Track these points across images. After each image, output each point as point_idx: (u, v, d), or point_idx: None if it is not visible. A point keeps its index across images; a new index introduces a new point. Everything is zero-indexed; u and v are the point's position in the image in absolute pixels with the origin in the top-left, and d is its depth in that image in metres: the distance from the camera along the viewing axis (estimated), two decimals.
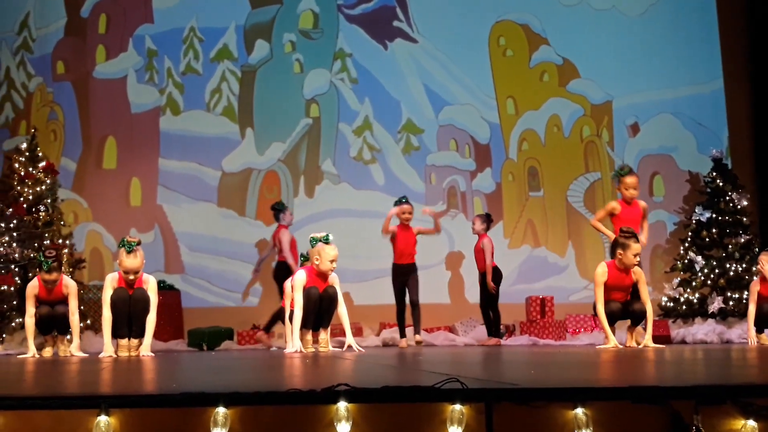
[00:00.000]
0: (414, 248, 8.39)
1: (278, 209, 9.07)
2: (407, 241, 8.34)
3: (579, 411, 2.36)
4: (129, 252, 6.19)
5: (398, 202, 8.41)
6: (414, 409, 2.36)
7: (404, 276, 8.31)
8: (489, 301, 8.67)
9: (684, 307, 9.36)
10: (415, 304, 8.26)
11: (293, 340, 6.49)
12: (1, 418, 2.29)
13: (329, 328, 6.88)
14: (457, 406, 2.34)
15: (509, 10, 11.12)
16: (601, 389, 2.46)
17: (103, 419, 2.26)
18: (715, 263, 9.47)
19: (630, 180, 7.19)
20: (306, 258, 7.13)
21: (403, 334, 8.32)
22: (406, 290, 8.30)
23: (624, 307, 6.54)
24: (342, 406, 2.32)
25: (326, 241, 6.47)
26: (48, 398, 2.36)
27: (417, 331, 8.29)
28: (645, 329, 6.57)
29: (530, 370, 3.55)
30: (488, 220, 8.93)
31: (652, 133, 11.08)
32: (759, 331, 7.31)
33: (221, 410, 2.29)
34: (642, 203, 7.36)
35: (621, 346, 6.38)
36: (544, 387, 2.52)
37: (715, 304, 9.18)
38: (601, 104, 11.07)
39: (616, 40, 11.14)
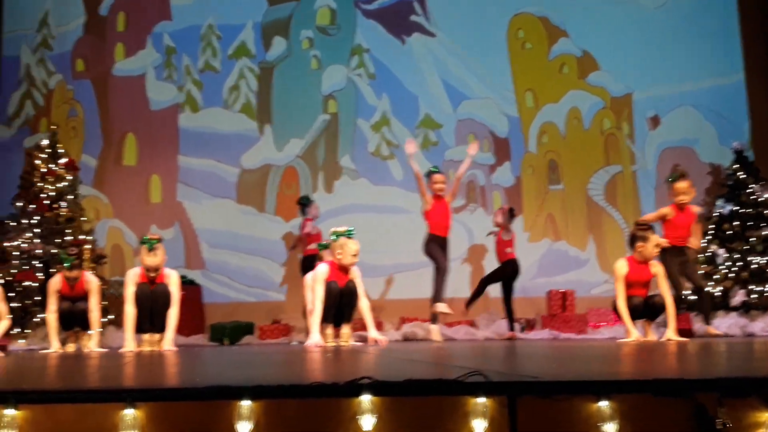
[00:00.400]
0: (449, 221, 8.15)
1: (304, 203, 9.09)
2: (442, 213, 8.11)
3: (603, 404, 2.35)
4: (150, 250, 6.25)
5: (429, 173, 8.22)
6: (437, 403, 2.36)
7: (439, 246, 8.06)
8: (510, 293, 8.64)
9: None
10: (443, 271, 8.02)
11: (313, 334, 6.51)
12: (28, 412, 2.31)
13: (351, 323, 6.88)
14: (481, 399, 2.33)
15: (528, 3, 11.07)
16: (625, 382, 2.45)
17: (129, 412, 2.28)
18: (737, 256, 9.40)
19: (680, 185, 7.10)
20: (325, 246, 7.18)
21: (439, 299, 7.97)
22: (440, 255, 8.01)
23: (645, 302, 6.53)
24: (365, 399, 2.33)
25: (349, 236, 6.50)
26: (74, 392, 2.38)
27: (438, 299, 8.01)
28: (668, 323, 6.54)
29: (552, 364, 3.54)
30: (511, 214, 8.86)
31: (672, 126, 11.01)
32: None
33: (246, 403, 2.30)
34: (695, 208, 7.28)
35: (642, 339, 6.36)
36: (567, 380, 2.51)
37: (738, 297, 9.11)
38: (621, 96, 11.01)
39: (636, 31, 11.06)
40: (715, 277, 9.46)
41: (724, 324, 8.72)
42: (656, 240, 6.41)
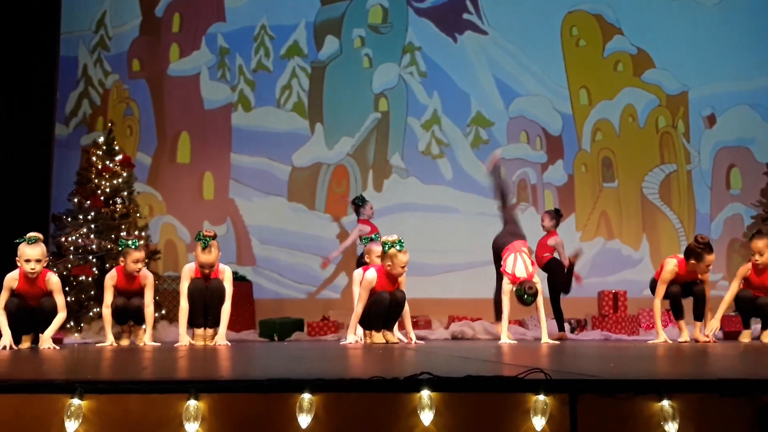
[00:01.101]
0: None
1: (358, 204, 9.01)
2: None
3: (665, 403, 2.33)
4: (204, 248, 6.32)
5: None
6: (497, 399, 2.35)
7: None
8: (558, 293, 8.56)
9: None
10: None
11: (355, 333, 6.57)
12: (93, 402, 2.36)
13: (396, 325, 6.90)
14: (541, 397, 2.32)
15: (582, 1, 10.97)
16: (688, 381, 2.42)
17: (192, 403, 2.32)
18: None
19: (757, 244, 6.56)
20: (370, 239, 7.22)
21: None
22: None
23: (683, 290, 6.61)
24: (425, 394, 2.33)
25: (400, 247, 6.48)
26: (140, 382, 2.43)
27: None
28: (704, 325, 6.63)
29: (609, 363, 3.50)
30: (558, 216, 8.76)
31: (728, 125, 10.82)
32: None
33: (306, 396, 2.32)
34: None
35: (671, 342, 6.42)
36: (630, 378, 2.48)
37: None
38: (677, 95, 10.85)
39: (692, 29, 10.90)
40: None
41: None
42: (709, 261, 6.39)
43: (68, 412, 2.33)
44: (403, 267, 6.52)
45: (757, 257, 6.51)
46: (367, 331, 6.74)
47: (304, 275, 10.30)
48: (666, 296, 6.62)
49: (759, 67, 10.83)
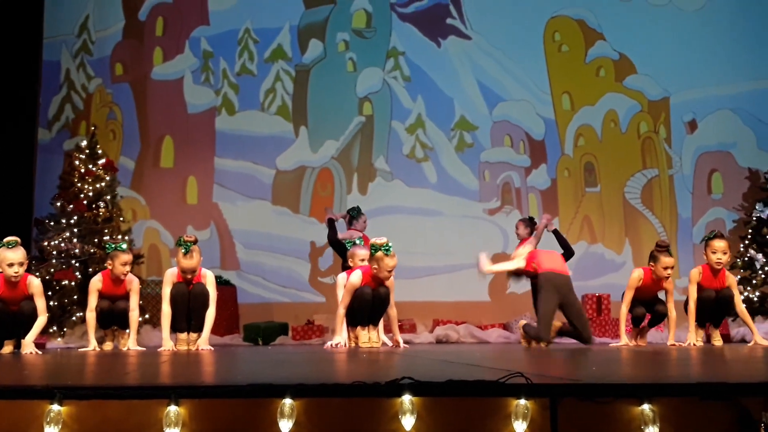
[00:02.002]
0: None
1: (353, 215, 8.84)
2: None
3: (646, 407, 2.34)
4: (185, 253, 6.30)
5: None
6: (478, 404, 2.36)
7: None
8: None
9: (744, 305, 9.14)
10: None
11: (341, 335, 6.55)
12: (73, 408, 2.35)
13: (380, 325, 6.89)
14: (522, 401, 2.33)
15: (564, 6, 11.01)
16: (668, 385, 2.43)
17: (173, 409, 2.31)
18: None
19: (716, 245, 6.65)
20: (354, 243, 7.20)
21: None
22: None
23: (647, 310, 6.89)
24: (407, 399, 2.33)
25: (387, 251, 6.47)
26: (118, 388, 2.42)
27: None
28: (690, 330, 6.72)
29: (591, 367, 3.52)
30: (532, 224, 8.71)
31: (710, 130, 10.89)
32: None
33: (288, 401, 2.32)
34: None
35: (631, 345, 6.64)
36: (610, 382, 2.49)
37: None
38: (659, 100, 10.91)
39: (673, 35, 10.96)
40: (753, 282, 9.33)
41: (762, 329, 8.60)
42: (666, 263, 6.55)
43: (48, 418, 2.32)
44: (389, 271, 6.50)
45: (719, 256, 6.59)
46: (352, 331, 6.69)
47: (288, 279, 10.29)
48: (631, 310, 6.80)
49: (740, 72, 10.91)
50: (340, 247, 8.57)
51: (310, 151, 10.60)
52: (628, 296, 6.73)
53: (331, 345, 6.49)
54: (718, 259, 6.59)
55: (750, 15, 11.03)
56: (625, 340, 6.73)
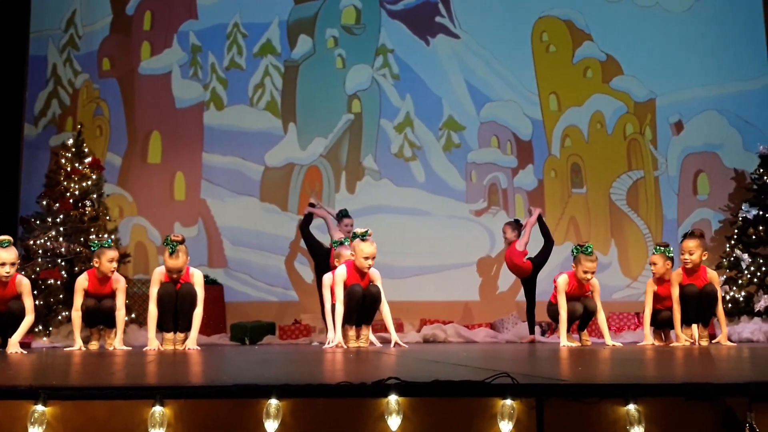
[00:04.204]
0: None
1: (341, 215, 8.73)
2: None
3: (631, 407, 2.35)
4: (172, 253, 6.26)
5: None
6: (464, 404, 2.36)
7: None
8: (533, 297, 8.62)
9: (730, 305, 9.21)
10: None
11: (335, 334, 6.50)
12: (57, 408, 2.34)
13: (371, 325, 6.89)
14: (508, 401, 2.34)
15: (552, 6, 11.03)
16: (654, 386, 2.44)
17: (158, 409, 2.30)
18: (761, 261, 9.32)
19: (688, 244, 6.73)
20: (340, 243, 7.19)
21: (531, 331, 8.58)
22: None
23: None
24: (393, 399, 2.33)
25: (363, 238, 6.47)
26: (103, 388, 2.40)
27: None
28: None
29: (578, 367, 3.53)
30: (519, 226, 8.75)
31: (696, 131, 10.94)
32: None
33: (273, 402, 2.31)
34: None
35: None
36: (596, 383, 2.50)
37: (762, 302, 9.03)
38: (645, 102, 10.95)
39: (660, 36, 11.01)
40: (738, 282, 9.38)
41: (748, 329, 8.65)
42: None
43: (32, 419, 2.30)
44: (365, 258, 6.46)
45: (686, 256, 6.68)
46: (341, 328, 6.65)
47: (276, 277, 10.27)
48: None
49: (726, 73, 10.96)
50: (310, 242, 8.59)
51: (298, 148, 10.58)
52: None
53: (328, 345, 6.45)
54: (685, 258, 6.73)
55: (736, 17, 11.09)
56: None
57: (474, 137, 10.74)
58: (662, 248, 6.94)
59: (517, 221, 8.86)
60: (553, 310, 7.02)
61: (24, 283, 6.06)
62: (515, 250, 8.52)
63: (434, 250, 10.37)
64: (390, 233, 9.73)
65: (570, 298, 6.87)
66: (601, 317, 6.95)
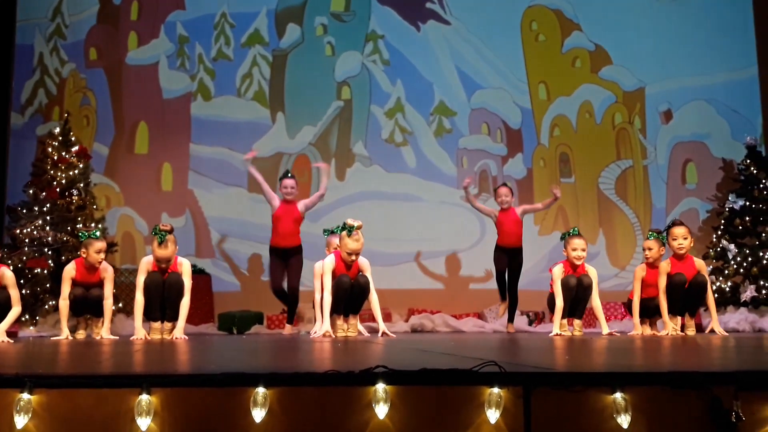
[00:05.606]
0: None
1: (282, 176, 8.52)
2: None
3: (618, 396, 2.35)
4: (160, 243, 6.25)
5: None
6: (452, 392, 2.36)
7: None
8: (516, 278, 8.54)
9: (716, 295, 9.25)
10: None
11: (323, 323, 6.53)
12: (43, 397, 2.33)
13: (359, 314, 6.90)
14: (495, 390, 2.34)
15: None
16: (640, 374, 2.45)
17: (144, 398, 2.29)
18: (748, 251, 9.35)
19: (677, 231, 6.81)
20: (331, 232, 7.20)
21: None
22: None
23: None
24: (380, 387, 2.33)
25: (349, 233, 6.51)
26: (90, 377, 2.39)
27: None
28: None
29: (565, 356, 3.53)
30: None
31: (685, 120, 10.96)
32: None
33: (261, 390, 2.31)
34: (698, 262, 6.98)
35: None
36: (583, 371, 2.50)
37: (748, 292, 9.07)
38: (634, 91, 10.97)
39: (649, 26, 11.02)
40: (725, 272, 9.42)
41: (734, 319, 8.70)
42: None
43: (17, 407, 2.29)
44: (349, 253, 6.52)
45: (680, 242, 6.71)
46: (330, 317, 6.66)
47: (263, 268, 10.23)
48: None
49: (715, 63, 10.98)
50: None
51: (287, 138, 10.55)
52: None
53: (314, 334, 6.47)
54: (679, 244, 6.74)
55: (725, 6, 11.11)
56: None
57: (465, 123, 10.74)
58: (657, 234, 6.96)
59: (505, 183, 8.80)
60: (552, 301, 7.00)
61: (8, 275, 6.09)
62: (515, 215, 8.42)
63: (425, 236, 10.37)
64: (380, 219, 9.76)
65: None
66: (597, 305, 6.93)
